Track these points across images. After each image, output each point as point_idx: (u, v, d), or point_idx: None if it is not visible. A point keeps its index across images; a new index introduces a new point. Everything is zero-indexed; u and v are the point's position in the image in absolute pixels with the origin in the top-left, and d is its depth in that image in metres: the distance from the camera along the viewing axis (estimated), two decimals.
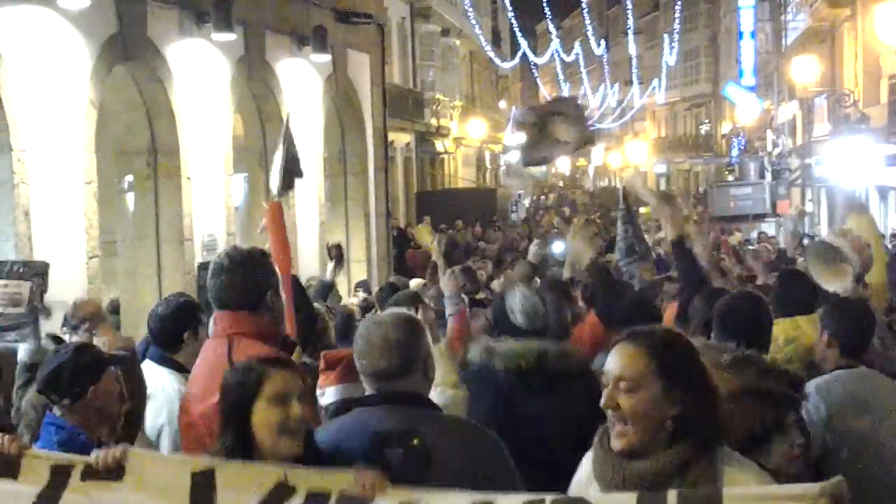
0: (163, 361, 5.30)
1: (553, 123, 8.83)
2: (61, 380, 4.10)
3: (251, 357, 3.48)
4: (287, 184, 7.33)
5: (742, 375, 3.51)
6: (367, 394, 3.53)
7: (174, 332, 5.39)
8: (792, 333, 5.63)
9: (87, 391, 4.09)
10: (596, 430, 4.60)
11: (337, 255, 10.33)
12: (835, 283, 6.27)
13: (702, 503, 2.60)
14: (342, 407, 3.78)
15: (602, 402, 2.96)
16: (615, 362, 2.98)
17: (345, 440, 3.37)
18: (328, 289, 9.75)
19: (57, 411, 4.08)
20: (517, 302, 4.94)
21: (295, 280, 5.87)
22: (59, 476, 3.01)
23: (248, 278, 4.16)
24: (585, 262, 7.36)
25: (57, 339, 5.88)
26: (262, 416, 3.21)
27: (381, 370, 3.40)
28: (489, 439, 3.48)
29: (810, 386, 4.34)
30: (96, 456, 3.04)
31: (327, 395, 4.98)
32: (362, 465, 3.06)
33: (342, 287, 13.23)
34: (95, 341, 5.35)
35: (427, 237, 11.53)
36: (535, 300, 4.94)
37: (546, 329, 4.92)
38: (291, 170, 8.05)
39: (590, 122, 65.71)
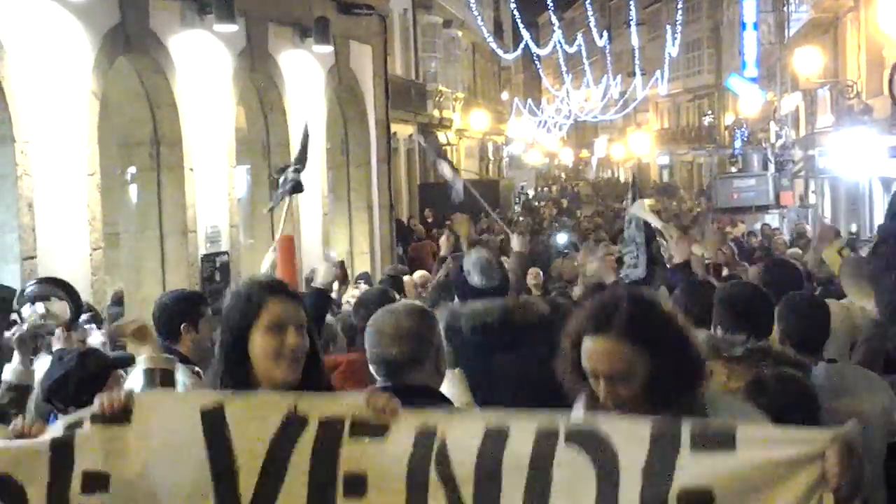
0: (166, 352, 5.29)
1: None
2: (67, 388, 4.08)
3: (253, 280, 3.47)
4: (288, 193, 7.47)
5: (757, 366, 3.50)
6: (377, 386, 3.49)
7: (172, 322, 5.40)
8: None
9: (93, 399, 4.09)
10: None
11: (341, 275, 10.30)
12: (870, 301, 6.18)
13: (715, 433, 2.63)
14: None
15: (603, 398, 2.95)
16: (600, 360, 2.96)
17: None
18: (338, 306, 9.74)
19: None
20: (472, 263, 5.27)
21: (320, 294, 5.81)
22: (69, 429, 2.99)
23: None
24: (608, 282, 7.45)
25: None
26: (259, 344, 3.19)
27: (392, 358, 3.37)
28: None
29: None
30: (100, 401, 3.00)
31: None
32: (372, 387, 3.02)
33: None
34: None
35: (465, 228, 11.62)
36: (488, 258, 5.32)
37: (504, 287, 5.24)
38: (296, 186, 8.15)
39: (590, 114, 65.76)
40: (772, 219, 27.06)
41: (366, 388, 3.00)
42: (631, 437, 2.70)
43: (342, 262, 10.83)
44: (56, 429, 3.03)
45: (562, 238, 15.41)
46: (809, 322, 4.77)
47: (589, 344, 2.98)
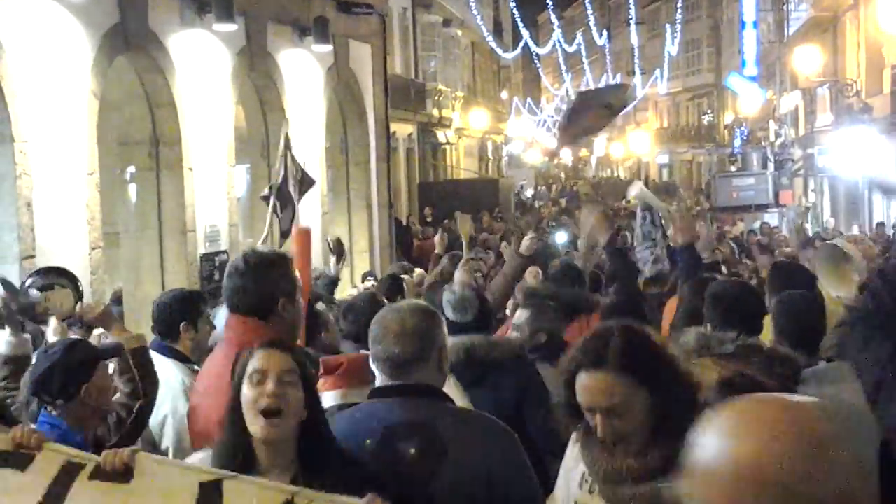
0: (164, 351, 5.31)
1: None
2: (53, 381, 4.03)
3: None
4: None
5: (748, 364, 3.50)
6: (378, 385, 3.48)
7: (171, 322, 5.41)
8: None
9: (80, 390, 4.05)
10: (527, 416, 4.88)
11: (338, 249, 10.33)
12: (841, 289, 6.19)
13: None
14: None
15: (601, 433, 2.96)
16: (595, 395, 2.96)
17: (358, 431, 3.34)
18: (334, 284, 9.76)
19: (52, 410, 4.04)
20: (446, 300, 5.35)
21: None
22: (68, 474, 2.95)
23: (261, 283, 3.91)
24: (602, 243, 7.39)
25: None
26: (244, 396, 3.12)
27: (395, 356, 3.35)
28: (505, 433, 3.42)
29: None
30: (105, 455, 2.97)
31: (325, 400, 4.99)
32: (371, 495, 2.91)
33: (344, 279, 13.23)
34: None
35: (465, 228, 11.62)
36: (462, 295, 5.36)
37: (480, 321, 5.30)
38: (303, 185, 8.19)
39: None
40: (771, 217, 27.06)
41: (367, 495, 2.89)
42: None
43: (339, 239, 10.89)
44: (54, 462, 2.99)
45: (561, 237, 15.37)
46: (804, 320, 4.77)
47: (584, 379, 2.98)
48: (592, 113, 9.96)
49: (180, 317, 5.41)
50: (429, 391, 3.40)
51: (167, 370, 5.13)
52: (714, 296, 4.91)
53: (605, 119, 9.52)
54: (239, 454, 3.12)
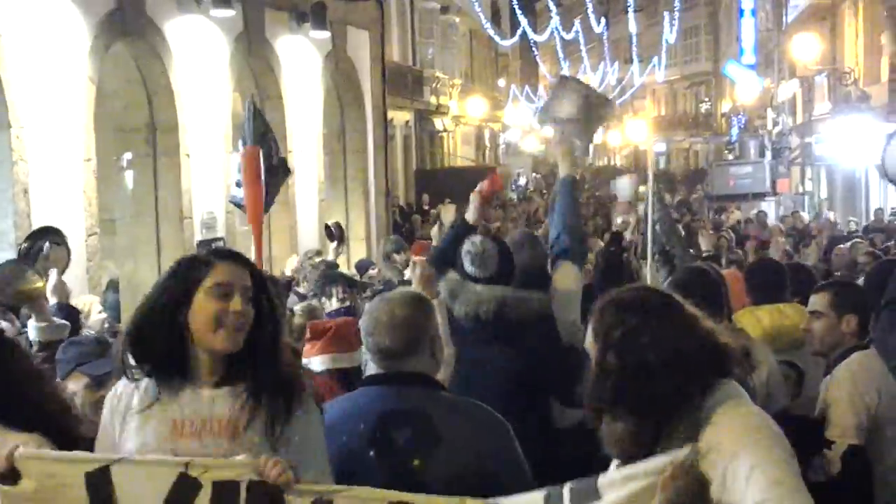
0: None
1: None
2: None
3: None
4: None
5: None
6: (372, 373, 3.50)
7: None
8: (777, 319, 5.66)
9: None
10: (550, 379, 4.76)
11: (338, 234, 10.36)
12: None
13: (583, 488, 2.68)
14: None
15: None
16: None
17: (352, 416, 3.35)
18: (334, 268, 9.77)
19: None
20: (465, 250, 5.03)
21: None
22: None
23: None
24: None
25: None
26: (200, 307, 3.01)
27: (385, 347, 3.36)
28: (497, 422, 3.44)
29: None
30: None
31: (313, 364, 4.99)
32: (265, 457, 2.85)
33: (342, 266, 13.23)
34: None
35: (449, 216, 11.59)
36: (485, 248, 5.00)
37: (500, 277, 4.97)
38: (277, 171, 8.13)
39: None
40: (768, 206, 27.07)
41: (262, 457, 2.85)
42: None
43: (339, 223, 10.93)
44: None
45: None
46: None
47: None
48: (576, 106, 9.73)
49: None
50: (422, 379, 3.41)
51: None
52: (678, 284, 4.94)
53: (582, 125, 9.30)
54: (176, 365, 3.04)
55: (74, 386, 4.05)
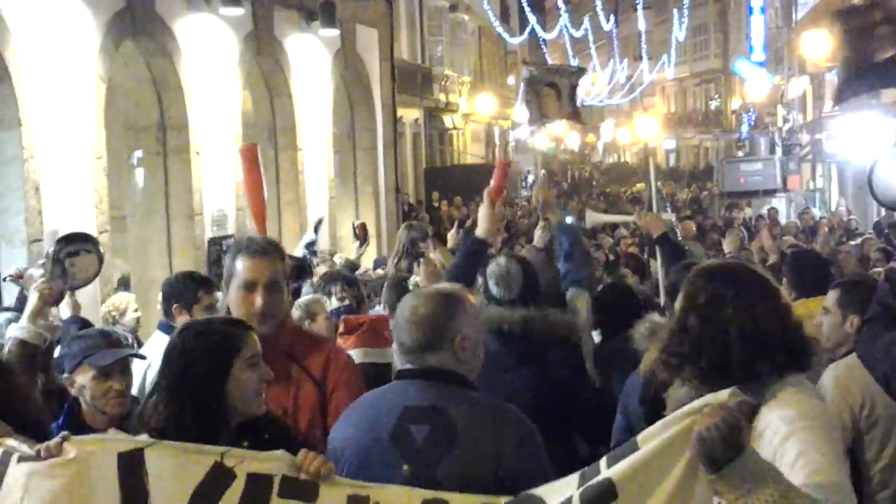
0: (166, 329, 5.43)
1: (544, 95, 8.82)
2: None
3: (206, 320, 3.53)
4: None
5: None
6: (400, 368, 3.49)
7: (166, 301, 5.59)
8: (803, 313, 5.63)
9: None
10: (575, 399, 4.88)
11: (362, 234, 10.44)
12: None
13: (622, 450, 2.72)
14: None
15: None
16: None
17: (381, 408, 3.35)
18: (355, 268, 9.79)
19: None
20: (490, 271, 5.10)
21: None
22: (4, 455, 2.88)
23: None
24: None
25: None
26: (242, 379, 3.17)
27: (406, 344, 3.36)
28: (522, 424, 3.37)
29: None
30: (40, 447, 2.89)
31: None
32: (304, 451, 2.92)
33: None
34: None
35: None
36: (509, 269, 5.04)
37: (526, 298, 5.00)
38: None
39: (596, 98, 65.58)
40: (778, 203, 27.01)
41: (301, 450, 2.93)
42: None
43: (363, 224, 11.02)
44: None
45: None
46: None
47: None
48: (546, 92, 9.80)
49: (175, 299, 5.54)
50: (447, 376, 3.36)
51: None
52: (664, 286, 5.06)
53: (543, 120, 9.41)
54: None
55: (82, 379, 4.09)
